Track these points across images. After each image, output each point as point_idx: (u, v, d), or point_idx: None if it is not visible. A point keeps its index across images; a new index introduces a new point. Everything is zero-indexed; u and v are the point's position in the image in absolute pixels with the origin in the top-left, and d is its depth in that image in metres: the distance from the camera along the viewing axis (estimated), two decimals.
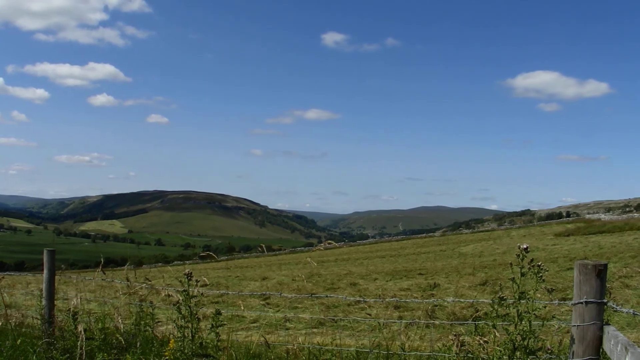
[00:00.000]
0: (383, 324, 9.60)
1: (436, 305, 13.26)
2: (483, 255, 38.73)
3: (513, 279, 4.36)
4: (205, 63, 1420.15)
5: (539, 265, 4.31)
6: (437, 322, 9.95)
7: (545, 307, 10.97)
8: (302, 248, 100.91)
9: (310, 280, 22.11)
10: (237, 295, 14.59)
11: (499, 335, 4.69)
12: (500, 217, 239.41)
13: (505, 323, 4.54)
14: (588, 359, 4.03)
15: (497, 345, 4.55)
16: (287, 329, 11.73)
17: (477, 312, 5.61)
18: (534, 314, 4.35)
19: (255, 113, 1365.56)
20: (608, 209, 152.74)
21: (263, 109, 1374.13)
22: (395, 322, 9.47)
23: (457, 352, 4.89)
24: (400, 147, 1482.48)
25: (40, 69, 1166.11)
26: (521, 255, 4.34)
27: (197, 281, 5.69)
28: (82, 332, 6.16)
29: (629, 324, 10.39)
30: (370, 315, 10.29)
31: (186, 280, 5.55)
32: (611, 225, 53.00)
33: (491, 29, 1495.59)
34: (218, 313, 5.53)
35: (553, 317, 5.23)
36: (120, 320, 6.89)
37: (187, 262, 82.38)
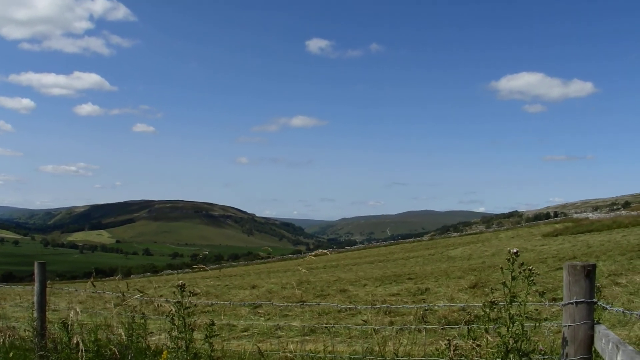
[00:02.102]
0: (375, 330, 9.62)
1: (427, 310, 13.27)
2: (472, 258, 38.81)
3: (504, 283, 4.39)
4: (191, 71, 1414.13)
5: (530, 269, 4.34)
6: (428, 326, 9.96)
7: (537, 310, 11.07)
8: (291, 255, 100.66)
9: (300, 287, 22.06)
10: (227, 304, 14.57)
11: (491, 339, 4.72)
12: (488, 220, 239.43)
13: (497, 325, 4.57)
14: (580, 358, 4.08)
15: (490, 349, 4.57)
16: (278, 337, 11.70)
17: (469, 315, 5.64)
18: (526, 316, 4.37)
19: (240, 121, 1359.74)
20: (595, 208, 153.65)
21: (248, 116, 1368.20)
22: (386, 327, 9.48)
23: (452, 357, 4.92)
24: (386, 152, 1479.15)
25: (26, 79, 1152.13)
26: (512, 259, 4.37)
27: (190, 292, 5.68)
28: (82, 345, 6.15)
29: (620, 322, 10.44)
30: (365, 322, 10.28)
31: (179, 291, 5.54)
32: (599, 224, 53.29)
33: (474, 32, 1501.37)
34: (212, 324, 5.53)
35: (546, 319, 5.26)
36: (113, 332, 6.88)
37: (175, 271, 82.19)
